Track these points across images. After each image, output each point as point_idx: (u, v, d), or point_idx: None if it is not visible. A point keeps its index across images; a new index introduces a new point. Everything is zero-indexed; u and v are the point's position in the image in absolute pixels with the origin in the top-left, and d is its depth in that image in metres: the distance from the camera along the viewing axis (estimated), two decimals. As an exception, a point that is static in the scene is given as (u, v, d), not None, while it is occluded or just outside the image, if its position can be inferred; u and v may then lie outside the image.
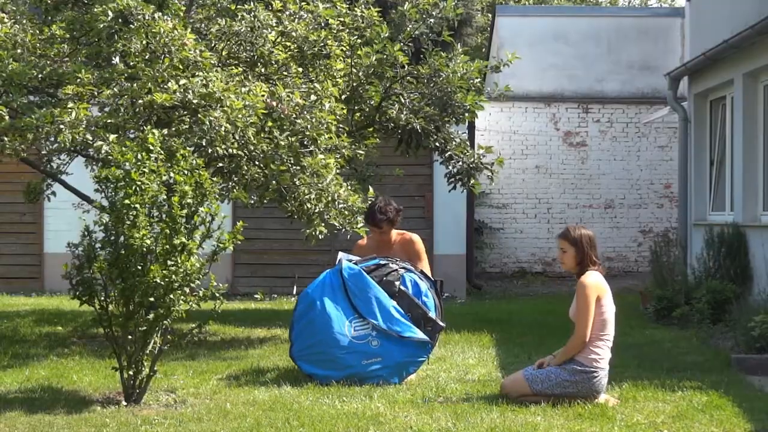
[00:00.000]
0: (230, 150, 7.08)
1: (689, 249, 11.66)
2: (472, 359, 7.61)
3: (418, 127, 8.64)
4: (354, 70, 8.59)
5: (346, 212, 7.60)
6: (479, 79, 8.81)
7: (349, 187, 7.74)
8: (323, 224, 7.56)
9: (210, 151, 6.95)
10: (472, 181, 9.02)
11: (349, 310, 6.53)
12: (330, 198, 7.49)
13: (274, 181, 7.44)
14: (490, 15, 19.29)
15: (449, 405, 5.84)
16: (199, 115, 6.93)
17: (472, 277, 14.37)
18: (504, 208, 16.85)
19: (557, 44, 16.81)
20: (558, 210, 16.88)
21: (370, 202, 7.75)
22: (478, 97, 8.73)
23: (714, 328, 9.00)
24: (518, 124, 16.82)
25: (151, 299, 5.76)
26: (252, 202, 8.23)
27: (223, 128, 6.84)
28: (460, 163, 8.93)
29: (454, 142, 8.95)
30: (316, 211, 7.50)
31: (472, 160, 8.92)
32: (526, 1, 27.72)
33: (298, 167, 7.45)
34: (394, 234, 7.68)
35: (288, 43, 8.11)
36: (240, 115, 6.95)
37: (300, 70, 8.04)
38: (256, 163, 7.49)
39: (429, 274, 7.20)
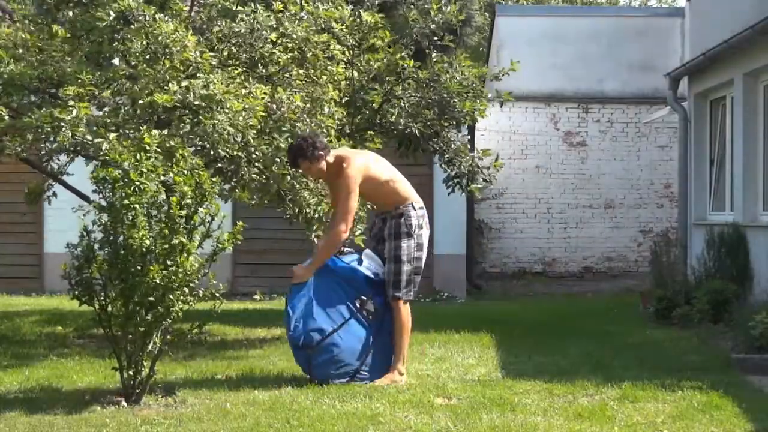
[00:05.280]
0: (233, 152, 7.06)
1: (689, 249, 11.65)
2: (472, 359, 7.60)
3: (416, 131, 8.62)
4: (356, 74, 8.58)
5: None
6: (478, 84, 8.74)
7: None
8: (323, 228, 7.55)
9: (212, 153, 6.94)
10: (471, 186, 9.01)
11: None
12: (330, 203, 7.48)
13: (274, 184, 7.43)
14: (488, 15, 19.24)
15: (449, 405, 5.84)
16: (201, 117, 6.91)
17: (472, 277, 14.37)
18: (504, 208, 16.85)
19: (557, 44, 16.78)
20: (558, 210, 16.87)
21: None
22: (477, 103, 8.69)
23: (714, 328, 9.00)
24: (518, 124, 16.81)
25: (151, 299, 5.76)
26: (254, 201, 8.22)
27: (226, 131, 6.83)
28: (458, 167, 8.92)
29: (453, 145, 8.94)
30: (315, 216, 7.50)
31: (470, 164, 8.91)
32: (525, 1, 27.71)
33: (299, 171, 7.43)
34: (332, 159, 6.57)
35: (289, 45, 8.09)
36: (240, 118, 6.94)
37: (302, 72, 8.02)
38: (256, 165, 7.48)
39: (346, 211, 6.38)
